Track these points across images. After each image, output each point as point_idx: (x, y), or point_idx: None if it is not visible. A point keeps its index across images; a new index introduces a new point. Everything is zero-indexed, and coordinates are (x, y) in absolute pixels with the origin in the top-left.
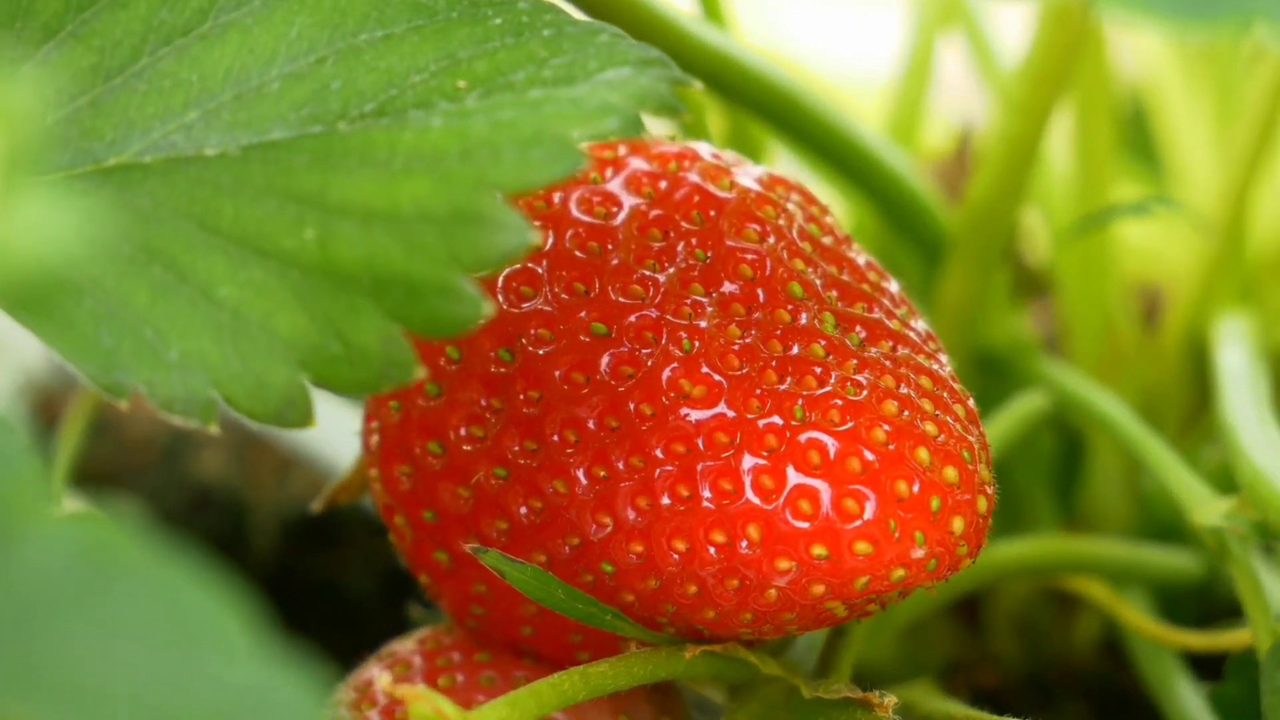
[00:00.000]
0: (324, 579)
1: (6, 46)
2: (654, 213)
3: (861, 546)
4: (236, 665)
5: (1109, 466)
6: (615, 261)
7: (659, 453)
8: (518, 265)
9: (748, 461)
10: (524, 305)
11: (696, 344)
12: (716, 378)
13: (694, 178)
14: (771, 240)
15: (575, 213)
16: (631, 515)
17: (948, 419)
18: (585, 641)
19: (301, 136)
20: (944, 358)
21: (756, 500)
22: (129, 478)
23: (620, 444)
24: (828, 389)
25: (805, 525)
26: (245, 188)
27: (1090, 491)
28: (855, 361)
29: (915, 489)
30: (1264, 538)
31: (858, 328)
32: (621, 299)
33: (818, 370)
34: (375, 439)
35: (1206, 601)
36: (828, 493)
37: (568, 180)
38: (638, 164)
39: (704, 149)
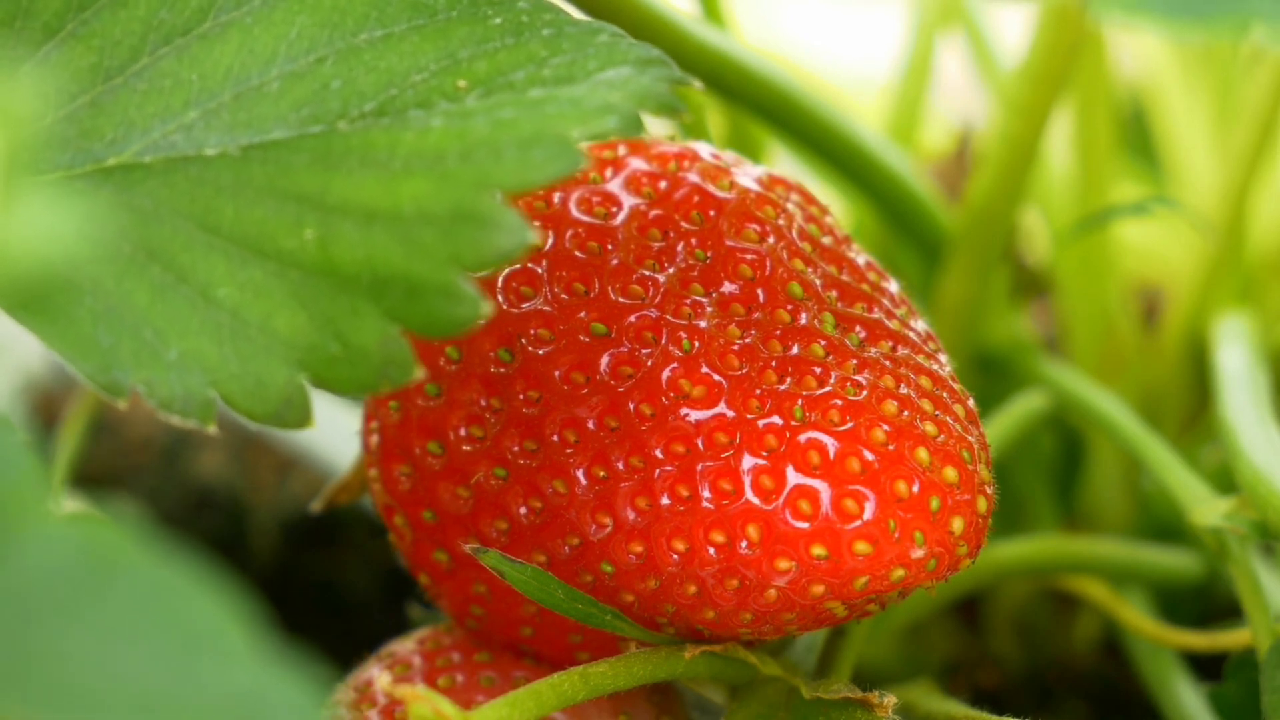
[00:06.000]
0: (324, 579)
1: (6, 46)
2: (654, 213)
3: (861, 547)
4: (235, 667)
5: (1109, 466)
6: (615, 261)
7: (659, 453)
8: (518, 265)
9: (747, 462)
10: (524, 305)
11: (696, 344)
12: (716, 378)
13: (694, 178)
14: (771, 240)
15: (575, 213)
16: (631, 515)
17: (947, 419)
18: (585, 641)
19: (301, 136)
20: (944, 358)
21: (756, 500)
22: (129, 478)
23: (620, 444)
24: (827, 389)
25: (805, 525)
26: (245, 188)
27: (1090, 491)
28: (855, 361)
29: (915, 489)
30: (1264, 538)
31: (857, 328)
32: (621, 299)
33: (817, 370)
34: (375, 439)
35: (1206, 601)
36: (827, 493)
37: (568, 179)
38: (637, 164)
39: (704, 149)
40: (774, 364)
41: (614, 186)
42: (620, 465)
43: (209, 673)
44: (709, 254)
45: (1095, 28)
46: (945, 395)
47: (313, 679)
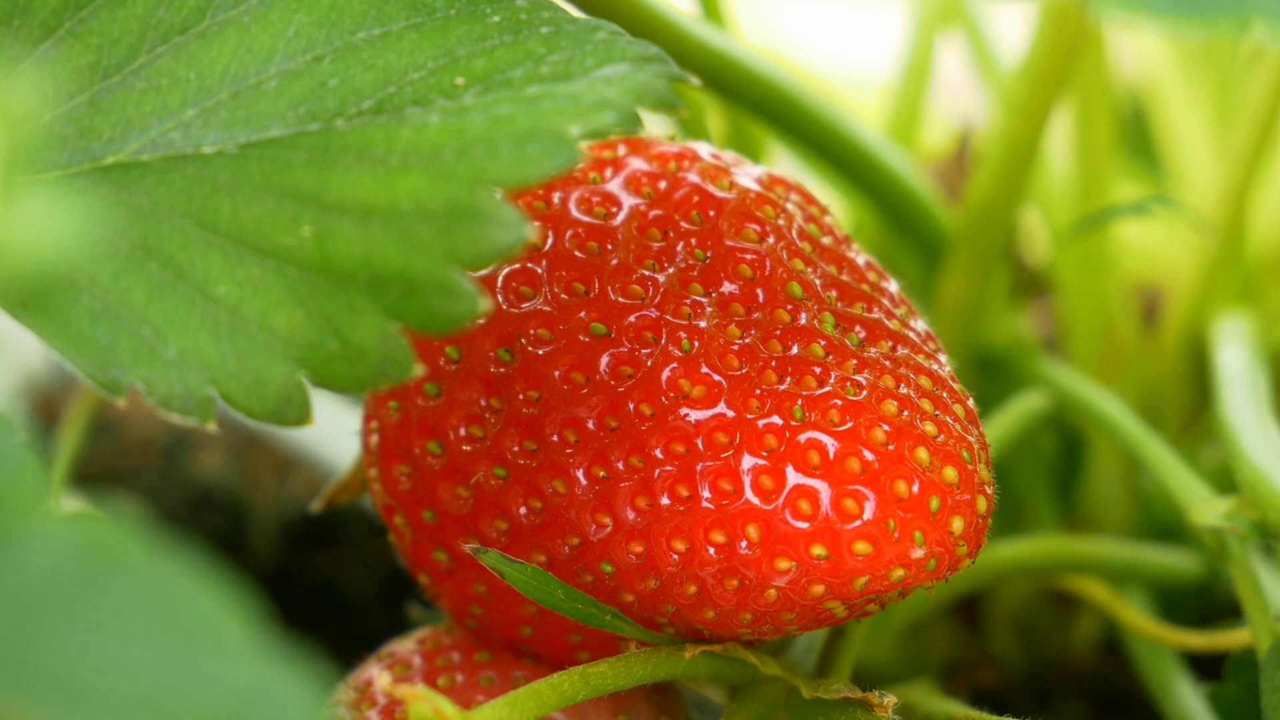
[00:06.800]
0: (324, 579)
1: (4, 45)
2: (654, 213)
3: (861, 547)
4: (236, 665)
5: (1109, 466)
6: (615, 261)
7: (659, 453)
8: (517, 265)
9: (747, 461)
10: (524, 305)
11: (696, 344)
12: (716, 378)
13: (693, 178)
14: (771, 240)
15: (575, 213)
16: (631, 515)
17: (947, 419)
18: (585, 641)
19: (299, 134)
20: (944, 358)
21: (756, 500)
22: (129, 478)
23: (620, 444)
24: (827, 389)
25: (805, 525)
26: (243, 185)
27: (1090, 491)
28: (855, 362)
29: (915, 489)
30: (1264, 538)
31: (857, 328)
32: (621, 299)
33: (817, 370)
34: (375, 439)
35: (1206, 601)
36: (827, 493)
37: (565, 175)
38: (637, 164)
39: (704, 149)
40: (774, 364)
41: (614, 186)
42: (620, 465)
43: (210, 669)
44: (709, 254)
45: (1095, 26)
46: (945, 395)
47: (313, 677)
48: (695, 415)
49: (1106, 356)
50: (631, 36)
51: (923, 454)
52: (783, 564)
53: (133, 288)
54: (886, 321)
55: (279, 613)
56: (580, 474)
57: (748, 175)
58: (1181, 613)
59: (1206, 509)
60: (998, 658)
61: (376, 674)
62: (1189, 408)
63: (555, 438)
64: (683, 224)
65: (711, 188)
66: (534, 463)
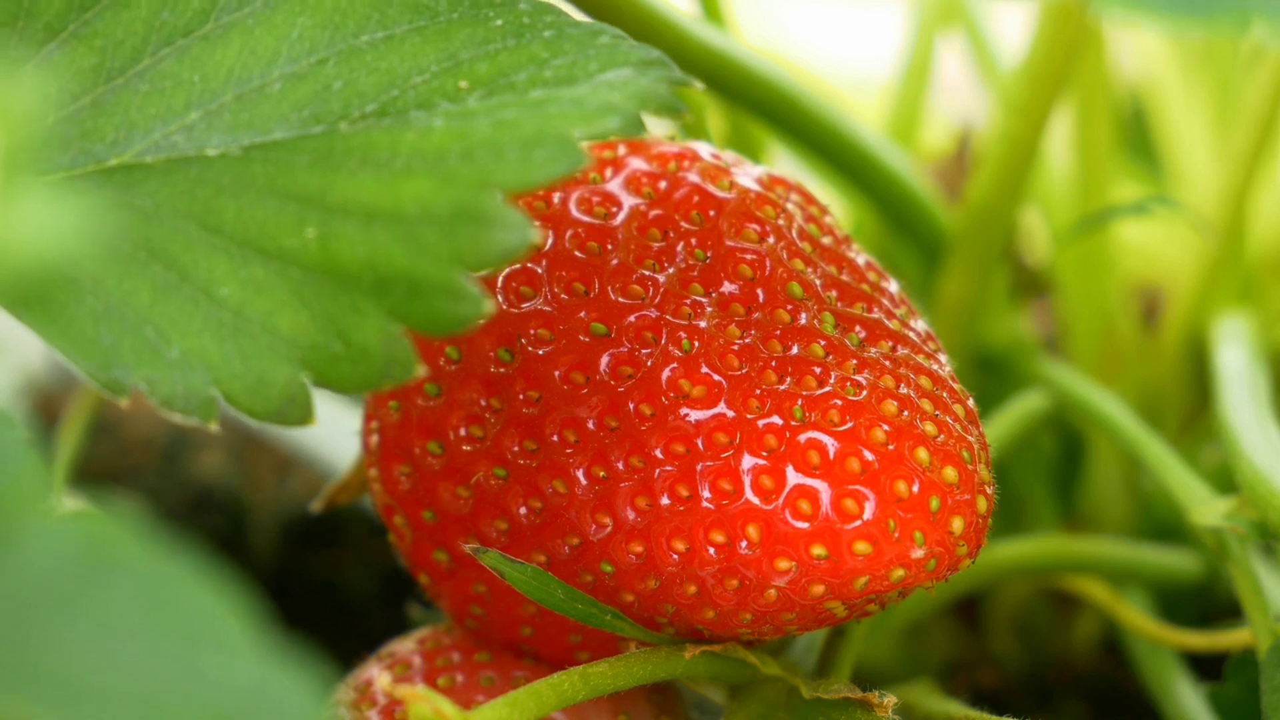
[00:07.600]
0: (324, 579)
1: (8, 46)
2: (654, 213)
3: (861, 547)
4: (236, 664)
5: (1109, 466)
6: (615, 261)
7: (659, 453)
8: (518, 265)
9: (747, 461)
10: (524, 305)
11: (696, 344)
12: (716, 378)
13: (694, 178)
14: (771, 240)
15: (575, 213)
16: (631, 515)
17: (947, 419)
18: (585, 641)
19: (303, 137)
20: (944, 358)
21: (756, 500)
22: (129, 478)
23: (620, 444)
24: (827, 389)
25: (805, 525)
26: (246, 188)
27: (1090, 491)
28: (855, 361)
29: (915, 489)
30: (1264, 538)
31: (857, 328)
32: (621, 299)
33: (817, 370)
34: (375, 439)
35: (1206, 601)
36: (827, 493)
37: (568, 179)
38: (637, 164)
39: (704, 149)
40: (774, 364)
41: (614, 186)
42: (620, 465)
43: (210, 667)
44: (709, 254)
45: (1095, 26)
46: (945, 395)
47: (313, 676)
48: (695, 415)
49: (1106, 356)
50: (634, 40)
51: (923, 454)
52: (783, 564)
53: (136, 289)
54: (886, 321)
55: (279, 613)
56: (580, 474)
57: (748, 175)
58: (1181, 613)
59: (1206, 509)
60: (998, 658)
61: (376, 674)
62: (1189, 408)
63: (555, 438)
64: (683, 224)
65: (711, 188)
66: (534, 463)
